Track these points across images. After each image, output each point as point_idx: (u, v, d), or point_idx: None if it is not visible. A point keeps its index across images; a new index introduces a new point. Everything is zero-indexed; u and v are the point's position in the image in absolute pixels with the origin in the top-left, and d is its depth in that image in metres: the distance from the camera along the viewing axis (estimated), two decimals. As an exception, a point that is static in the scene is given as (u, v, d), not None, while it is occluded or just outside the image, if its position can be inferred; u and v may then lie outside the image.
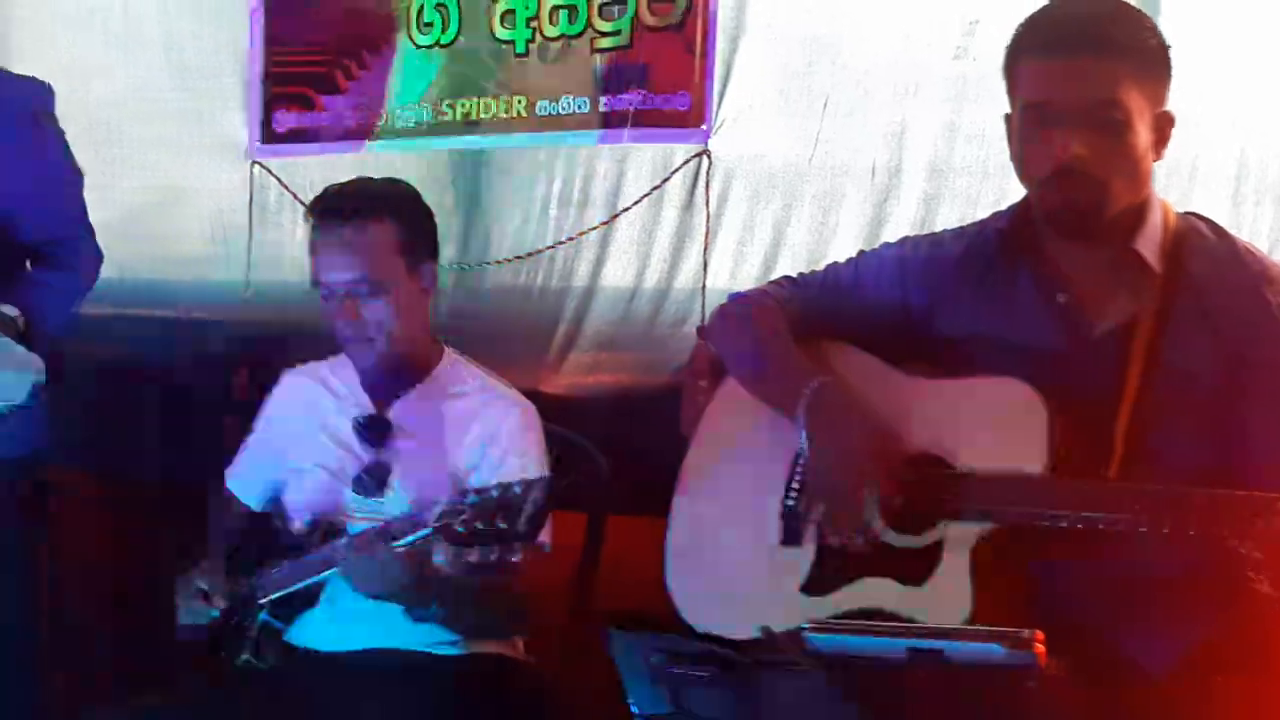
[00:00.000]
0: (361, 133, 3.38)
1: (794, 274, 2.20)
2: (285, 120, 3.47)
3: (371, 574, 2.18)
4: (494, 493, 1.97)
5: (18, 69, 3.00)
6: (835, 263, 2.12)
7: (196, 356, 3.54)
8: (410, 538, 2.09)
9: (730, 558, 1.99)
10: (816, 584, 1.89)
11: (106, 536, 3.51)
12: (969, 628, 1.46)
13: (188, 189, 3.59)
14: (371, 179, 2.49)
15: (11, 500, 2.71)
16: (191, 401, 3.51)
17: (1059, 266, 1.90)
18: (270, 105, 3.49)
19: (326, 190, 2.44)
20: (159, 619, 3.18)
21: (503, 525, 1.94)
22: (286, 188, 3.46)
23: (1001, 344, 1.89)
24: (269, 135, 3.49)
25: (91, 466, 3.50)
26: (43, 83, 2.82)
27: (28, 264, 2.81)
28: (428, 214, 2.44)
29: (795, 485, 1.95)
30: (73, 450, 3.37)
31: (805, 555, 1.92)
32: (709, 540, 2.02)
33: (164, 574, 3.38)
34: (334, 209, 2.38)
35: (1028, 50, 1.84)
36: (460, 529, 1.97)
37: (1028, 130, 1.84)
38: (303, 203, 3.40)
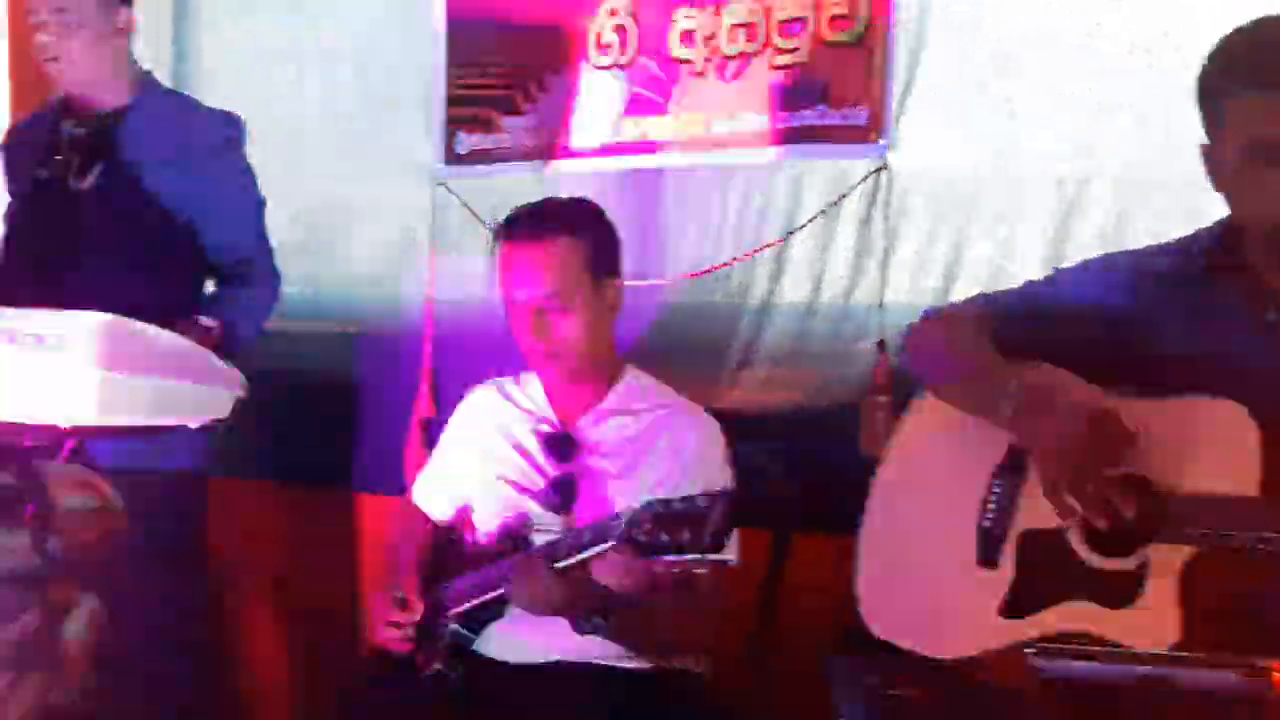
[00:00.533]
0: (541, 153, 3.43)
1: (985, 290, 2.18)
2: (467, 141, 3.55)
3: (534, 594, 2.22)
4: (678, 504, 1.98)
5: (214, 95, 3.15)
6: (1032, 280, 2.09)
7: (380, 371, 3.63)
8: (591, 550, 2.11)
9: (926, 577, 1.97)
10: (1016, 605, 1.86)
11: (292, 549, 3.62)
12: (1199, 655, 1.42)
13: (373, 208, 3.68)
14: (558, 198, 2.54)
15: (200, 510, 2.83)
16: (375, 415, 3.60)
17: (1270, 284, 1.85)
18: (452, 127, 3.56)
19: (514, 209, 2.49)
20: (339, 630, 3.28)
21: (687, 537, 1.96)
22: (468, 207, 3.53)
23: (1210, 363, 1.83)
24: (451, 156, 3.56)
25: (273, 479, 3.62)
26: (233, 115, 2.99)
27: (215, 283, 2.96)
28: (612, 232, 2.48)
29: (993, 504, 1.93)
30: (256, 463, 3.50)
31: (1003, 576, 1.89)
32: (903, 558, 2.00)
33: (347, 585, 3.48)
34: (522, 227, 2.43)
35: (1248, 84, 1.77)
36: (643, 539, 1.99)
37: (1256, 170, 1.77)
38: (483, 222, 3.46)
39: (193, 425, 2.62)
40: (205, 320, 2.74)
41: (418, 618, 2.40)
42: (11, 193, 3.01)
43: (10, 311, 2.25)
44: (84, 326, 2.31)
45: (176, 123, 2.92)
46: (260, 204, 2.99)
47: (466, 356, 3.44)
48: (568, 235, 2.39)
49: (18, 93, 3.96)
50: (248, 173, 2.97)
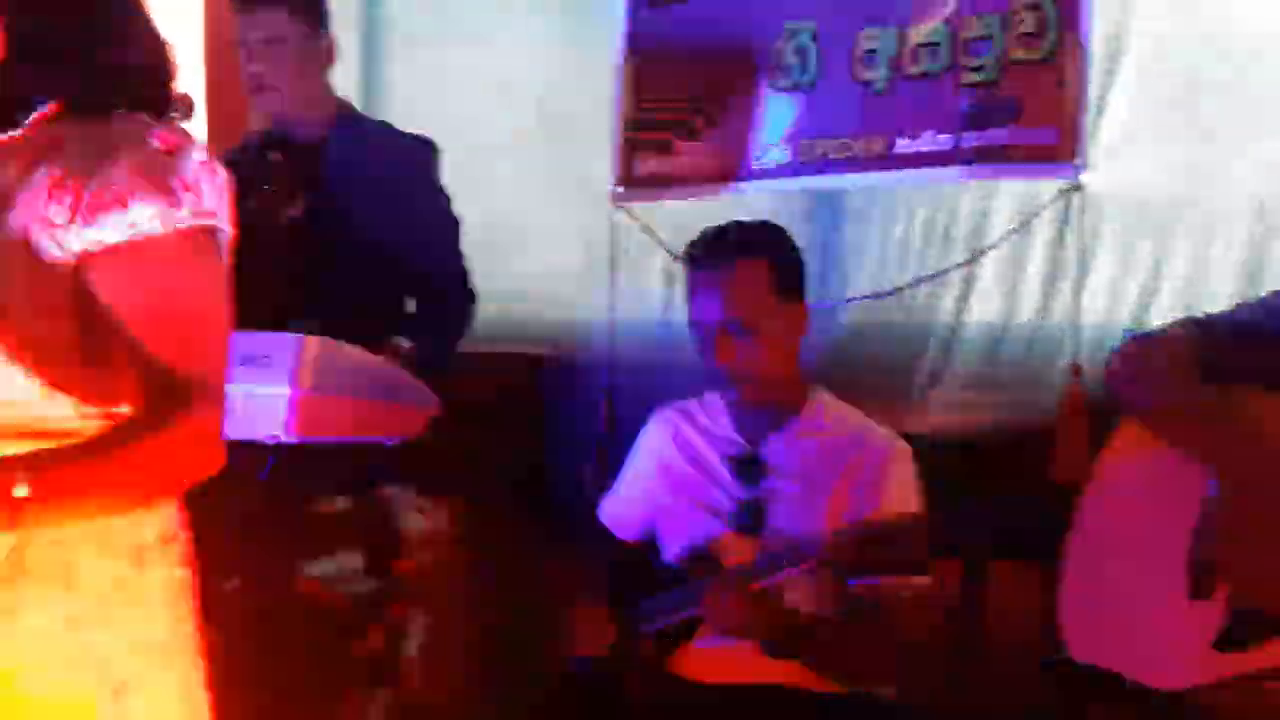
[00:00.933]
0: (721, 176, 3.44)
1: (1185, 313, 2.12)
2: (646, 165, 3.58)
3: (726, 616, 2.21)
4: (882, 527, 1.97)
5: (403, 120, 3.22)
6: (1243, 302, 2.03)
7: (559, 392, 3.68)
8: (790, 571, 2.11)
9: (1135, 606, 1.92)
10: (1230, 638, 1.80)
11: (484, 568, 3.66)
12: None
13: (552, 231, 3.74)
14: (743, 221, 2.55)
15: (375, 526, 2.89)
16: (555, 435, 3.65)
17: None
18: (632, 151, 3.60)
19: (702, 233, 2.50)
20: (539, 650, 3.31)
21: (891, 560, 1.94)
22: (646, 229, 3.56)
23: None
24: (630, 180, 3.60)
25: (465, 498, 3.67)
26: (429, 140, 3.05)
27: (410, 304, 3.02)
28: (798, 254, 2.48)
29: (1205, 536, 1.87)
30: (451, 482, 3.55)
31: (1217, 608, 1.83)
32: (1112, 588, 1.95)
33: (543, 604, 3.52)
34: (708, 250, 2.44)
35: None
36: (846, 561, 1.98)
37: None
38: (661, 244, 3.49)
39: (389, 443, 2.70)
40: (401, 341, 2.80)
41: (610, 638, 2.42)
42: None
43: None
44: (289, 347, 2.40)
45: (375, 149, 2.99)
46: (456, 225, 3.04)
47: (645, 377, 3.47)
48: (754, 258, 2.40)
49: (214, 122, 4.10)
50: (443, 194, 3.03)
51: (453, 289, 3.02)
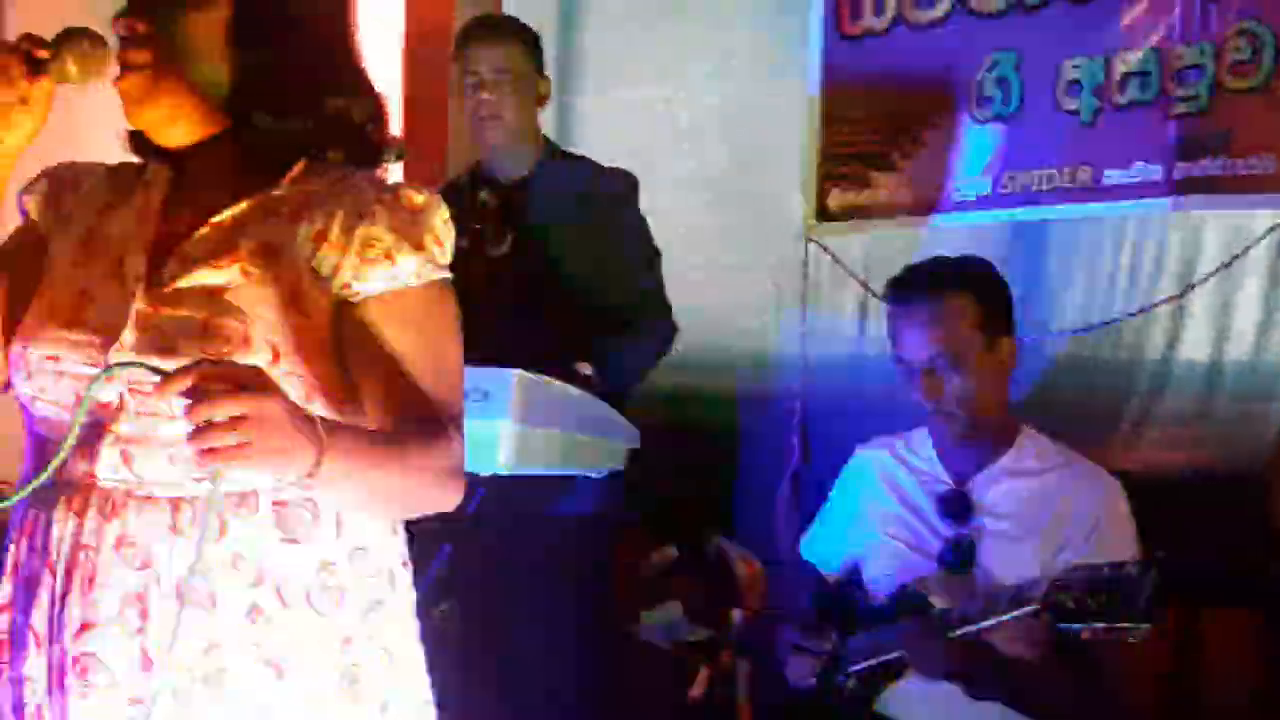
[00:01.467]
0: (918, 208, 3.42)
1: None
2: (840, 198, 3.57)
3: (934, 659, 2.19)
4: (1106, 570, 1.93)
5: (595, 155, 3.27)
6: None
7: (753, 425, 3.68)
8: (1009, 615, 2.08)
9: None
10: None
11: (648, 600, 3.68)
12: None
13: (746, 264, 3.75)
14: (948, 256, 2.52)
15: (585, 556, 2.92)
16: (749, 469, 3.65)
17: None
18: (825, 184, 3.59)
19: (906, 267, 2.49)
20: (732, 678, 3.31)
21: (1119, 605, 1.90)
22: (839, 263, 3.55)
23: None
24: (824, 212, 3.59)
25: (654, 529, 3.70)
26: (629, 173, 3.09)
27: (605, 331, 3.04)
28: (1005, 289, 2.46)
29: None
30: (641, 513, 3.58)
31: None
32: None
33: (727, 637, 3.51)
34: (915, 285, 2.43)
35: None
36: (1071, 605, 1.94)
37: None
38: (855, 277, 3.48)
39: (594, 475, 2.74)
40: (583, 367, 2.82)
41: (816, 672, 2.41)
42: None
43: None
44: (503, 382, 2.45)
45: (578, 184, 3.03)
46: (654, 255, 3.06)
47: (839, 411, 3.46)
48: (961, 293, 2.39)
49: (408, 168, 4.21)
50: (643, 224, 3.06)
51: (647, 318, 3.02)
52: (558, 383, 2.56)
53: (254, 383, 1.31)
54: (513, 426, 2.42)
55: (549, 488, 2.75)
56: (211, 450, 1.28)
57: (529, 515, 2.74)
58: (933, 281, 2.42)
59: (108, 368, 1.42)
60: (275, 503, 1.47)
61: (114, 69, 1.50)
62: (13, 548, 1.51)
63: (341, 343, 1.49)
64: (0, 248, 1.62)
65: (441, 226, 1.54)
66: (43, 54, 1.43)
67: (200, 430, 1.28)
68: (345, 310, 1.49)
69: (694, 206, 3.83)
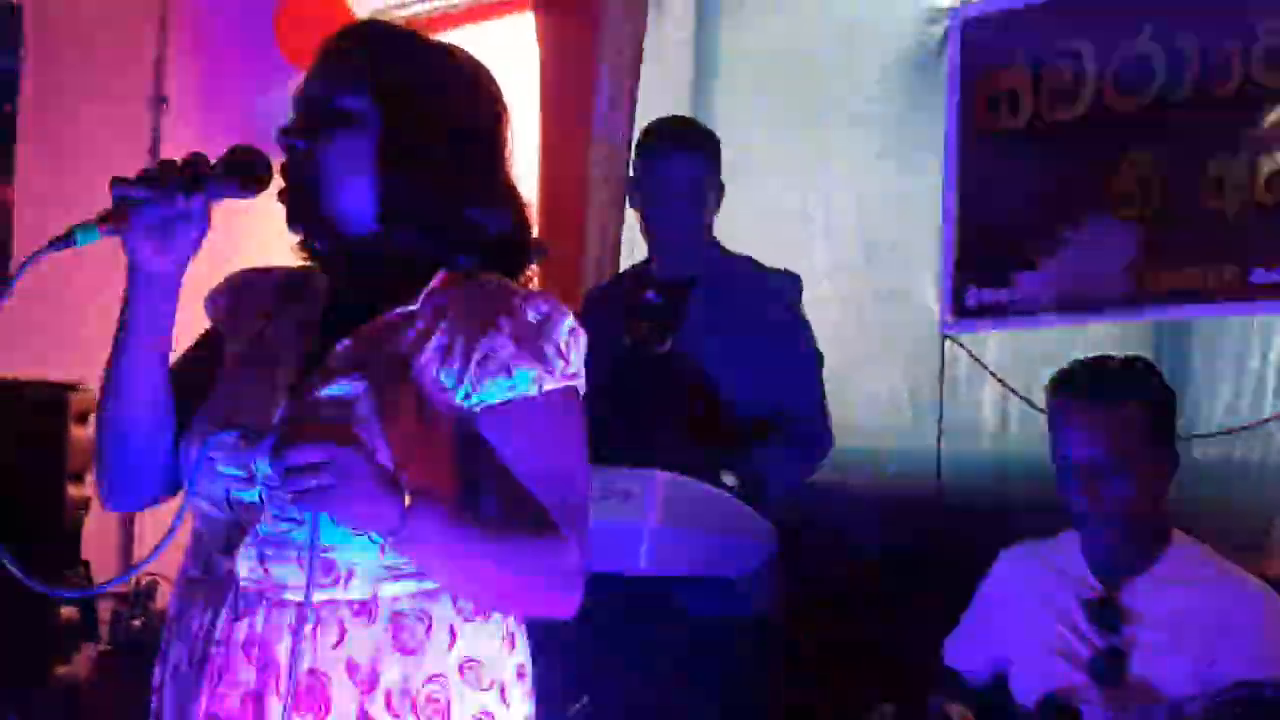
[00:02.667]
0: (1059, 307, 3.39)
1: None
2: (977, 295, 3.55)
3: None
4: (1269, 690, 1.87)
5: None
6: None
7: (889, 525, 3.65)
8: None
9: None
10: None
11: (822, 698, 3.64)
12: None
13: (882, 362, 3.74)
14: (1113, 356, 2.48)
15: (747, 656, 2.91)
16: (892, 570, 3.61)
17: None
18: (962, 281, 3.58)
19: (1074, 367, 2.45)
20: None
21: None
22: (978, 361, 3.53)
23: None
24: (960, 310, 3.58)
25: (790, 627, 3.67)
26: (794, 275, 3.08)
27: (758, 435, 3.02)
28: (1171, 395, 2.41)
29: None
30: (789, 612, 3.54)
31: None
32: None
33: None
34: (1084, 385, 2.39)
35: None
36: (1223, 728, 1.89)
37: None
38: (996, 376, 3.45)
39: (731, 575, 2.74)
40: (727, 478, 2.80)
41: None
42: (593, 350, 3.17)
43: (593, 469, 2.44)
44: (645, 482, 2.48)
45: (743, 284, 3.03)
46: (816, 361, 3.04)
47: (977, 509, 3.42)
48: (1133, 398, 2.35)
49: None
50: (806, 329, 3.05)
51: (801, 426, 2.98)
52: (699, 483, 2.58)
53: (339, 436, 1.40)
54: (654, 526, 2.45)
55: (693, 586, 2.76)
56: (299, 494, 1.38)
57: (673, 613, 2.74)
58: (1103, 383, 2.38)
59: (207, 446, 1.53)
60: (394, 613, 1.53)
61: (275, 183, 1.59)
62: (165, 632, 1.61)
63: (463, 453, 1.55)
64: (186, 352, 1.72)
65: (565, 337, 1.58)
66: (205, 171, 1.52)
67: (292, 475, 1.38)
68: (469, 421, 1.55)
69: (830, 303, 3.84)
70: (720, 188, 3.09)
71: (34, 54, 4.60)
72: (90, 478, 3.93)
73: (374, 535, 1.47)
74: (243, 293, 1.73)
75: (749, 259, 3.13)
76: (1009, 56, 3.51)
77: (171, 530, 1.54)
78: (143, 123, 4.89)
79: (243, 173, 1.54)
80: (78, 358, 4.39)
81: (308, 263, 1.70)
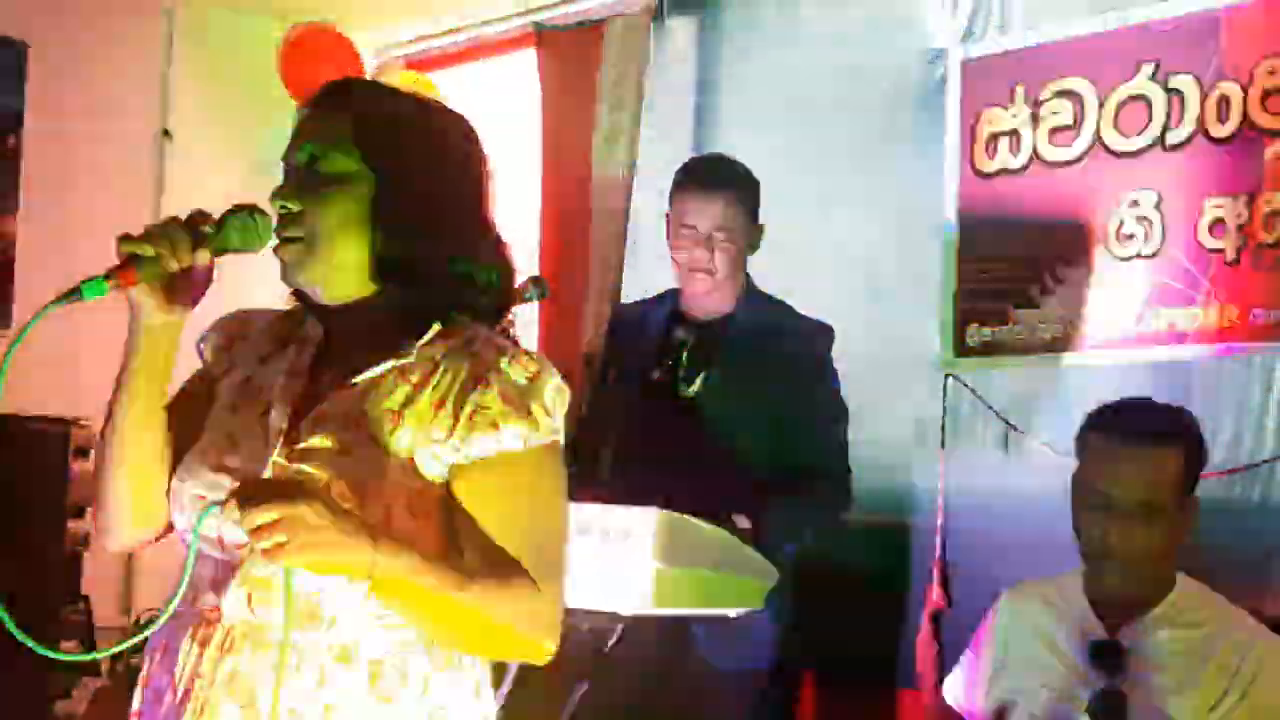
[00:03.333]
0: (1060, 346, 3.39)
1: None
2: (978, 334, 3.56)
3: None
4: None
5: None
6: None
7: (893, 563, 3.64)
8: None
9: None
10: None
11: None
12: None
13: (884, 400, 3.73)
14: (1158, 403, 2.48)
15: (763, 708, 2.89)
16: (887, 607, 3.61)
17: None
18: (963, 320, 3.59)
19: (1119, 405, 2.44)
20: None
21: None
22: (980, 399, 3.53)
23: None
24: (962, 349, 3.58)
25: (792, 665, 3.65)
26: (828, 325, 3.04)
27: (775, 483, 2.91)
28: (1204, 447, 2.41)
29: None
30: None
31: None
32: None
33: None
34: (1129, 426, 2.38)
35: None
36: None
37: None
38: (999, 415, 3.45)
39: (730, 615, 2.72)
40: (739, 520, 2.75)
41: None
42: (612, 379, 3.09)
43: (596, 508, 2.45)
44: (644, 521, 2.47)
45: (775, 329, 2.99)
46: (842, 412, 3.00)
47: (979, 549, 3.41)
48: (1176, 445, 2.35)
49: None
50: (834, 378, 3.00)
51: (821, 478, 2.94)
52: (699, 522, 2.56)
53: (292, 491, 1.44)
54: (653, 565, 2.44)
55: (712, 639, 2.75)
56: (265, 551, 1.43)
57: (670, 658, 2.73)
58: (1149, 426, 2.37)
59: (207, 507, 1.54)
60: (370, 660, 1.57)
61: (272, 238, 1.63)
62: (148, 660, 1.65)
63: (448, 504, 1.60)
64: (180, 391, 1.74)
65: (552, 395, 1.63)
66: (208, 227, 1.57)
67: (253, 533, 1.42)
68: (456, 472, 1.60)
69: (837, 341, 3.83)
70: (759, 228, 3.04)
71: (38, 89, 4.63)
72: (90, 513, 3.93)
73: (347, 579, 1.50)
74: (235, 334, 1.76)
75: (784, 303, 3.09)
76: (1008, 96, 3.53)
77: (184, 577, 1.55)
78: (146, 157, 4.91)
79: (242, 227, 1.59)
80: (79, 393, 4.43)
81: (298, 304, 1.73)
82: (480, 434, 1.57)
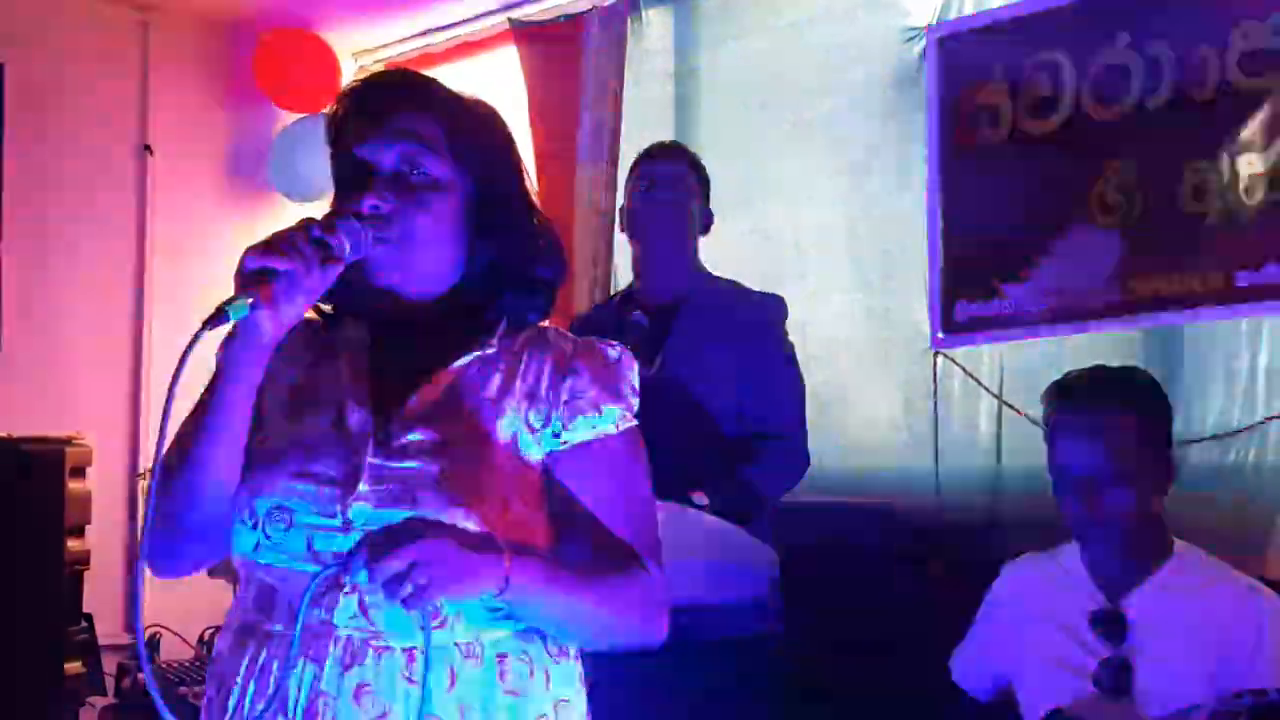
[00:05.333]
0: (1046, 318, 3.40)
1: None
2: (967, 310, 3.57)
3: None
4: (1273, 694, 1.88)
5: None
6: None
7: (889, 542, 3.65)
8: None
9: None
10: None
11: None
12: None
13: (874, 379, 3.74)
14: (1107, 367, 2.49)
15: (749, 677, 2.90)
16: (887, 587, 3.61)
17: None
18: (951, 296, 3.59)
19: (1068, 377, 2.46)
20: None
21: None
22: (971, 376, 3.54)
23: None
24: (950, 325, 3.59)
25: (795, 650, 3.66)
26: (779, 297, 3.13)
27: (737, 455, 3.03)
28: (1166, 403, 2.42)
29: None
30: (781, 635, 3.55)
31: None
32: None
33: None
34: (1077, 395, 2.40)
35: None
36: (1237, 732, 1.89)
37: None
38: (988, 389, 3.46)
39: (733, 601, 2.73)
40: (698, 497, 2.82)
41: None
42: None
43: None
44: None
45: (728, 307, 3.08)
46: (797, 380, 3.08)
47: (973, 524, 3.42)
48: (1128, 407, 2.36)
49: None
50: (790, 351, 3.09)
51: (781, 447, 3.03)
52: (697, 512, 2.58)
53: (415, 532, 1.43)
54: (656, 558, 2.44)
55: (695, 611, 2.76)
56: (404, 601, 1.42)
57: (677, 643, 2.74)
58: (1097, 393, 2.39)
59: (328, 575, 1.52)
60: (498, 655, 1.57)
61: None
62: (235, 693, 1.57)
63: (552, 488, 1.61)
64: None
65: (635, 377, 1.67)
66: (334, 240, 1.52)
67: (388, 586, 1.42)
68: (556, 459, 1.61)
69: (821, 324, 3.85)
70: (709, 213, 3.15)
71: (17, 106, 4.62)
72: (90, 530, 3.93)
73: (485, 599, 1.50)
74: None
75: (734, 283, 3.18)
76: (987, 71, 3.53)
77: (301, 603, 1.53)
78: (128, 172, 4.90)
79: (355, 237, 1.54)
80: (73, 412, 4.43)
81: (327, 309, 1.69)
82: (581, 417, 1.60)
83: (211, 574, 1.83)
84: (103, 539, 4.18)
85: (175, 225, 4.85)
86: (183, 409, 1.53)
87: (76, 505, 3.85)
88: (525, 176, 1.72)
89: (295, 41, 4.91)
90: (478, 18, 4.76)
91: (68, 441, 3.90)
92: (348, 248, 1.53)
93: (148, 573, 1.56)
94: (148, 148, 4.92)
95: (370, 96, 1.65)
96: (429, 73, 1.80)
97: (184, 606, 3.61)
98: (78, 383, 4.62)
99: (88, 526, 3.91)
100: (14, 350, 4.46)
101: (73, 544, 3.86)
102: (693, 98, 4.30)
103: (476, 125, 1.66)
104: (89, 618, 3.98)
